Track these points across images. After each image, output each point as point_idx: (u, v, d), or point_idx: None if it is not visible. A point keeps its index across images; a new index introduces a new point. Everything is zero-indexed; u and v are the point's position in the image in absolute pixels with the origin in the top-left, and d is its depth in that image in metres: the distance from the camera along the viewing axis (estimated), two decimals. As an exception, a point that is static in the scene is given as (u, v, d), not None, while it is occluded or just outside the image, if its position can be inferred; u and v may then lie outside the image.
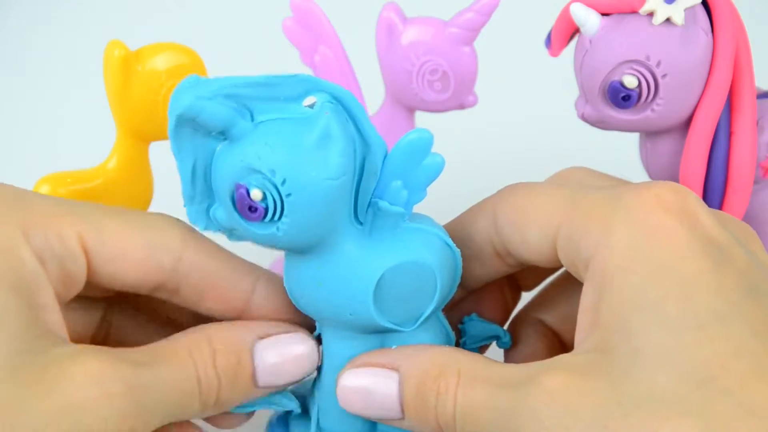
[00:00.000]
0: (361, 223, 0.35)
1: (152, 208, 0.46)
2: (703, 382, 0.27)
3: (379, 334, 0.37)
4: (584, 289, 0.30)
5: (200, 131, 0.33)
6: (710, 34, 0.40)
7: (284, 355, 0.34)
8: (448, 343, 0.38)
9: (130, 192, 0.45)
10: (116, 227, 0.33)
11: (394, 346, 0.36)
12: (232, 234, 0.35)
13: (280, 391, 0.36)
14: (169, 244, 0.34)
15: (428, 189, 0.35)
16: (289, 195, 0.33)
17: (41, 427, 0.28)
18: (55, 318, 0.31)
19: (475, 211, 0.36)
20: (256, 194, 0.33)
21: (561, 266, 0.34)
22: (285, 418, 0.40)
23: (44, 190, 0.44)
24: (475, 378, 0.31)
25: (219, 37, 0.67)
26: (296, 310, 0.36)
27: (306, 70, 0.48)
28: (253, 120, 0.33)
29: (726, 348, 0.27)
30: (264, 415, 0.41)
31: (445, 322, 0.38)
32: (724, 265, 0.29)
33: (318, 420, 0.38)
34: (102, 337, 0.37)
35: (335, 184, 0.33)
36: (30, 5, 0.79)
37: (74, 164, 0.45)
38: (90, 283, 0.33)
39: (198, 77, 0.32)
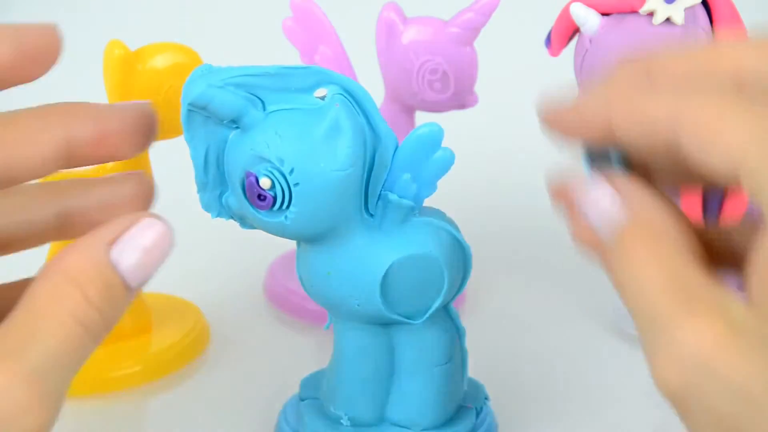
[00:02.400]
0: (371, 215, 0.35)
1: (152, 208, 0.46)
2: None
3: (387, 326, 0.37)
4: (763, 237, 0.28)
5: (212, 119, 0.33)
6: (710, 34, 0.40)
7: (142, 248, 0.32)
8: (458, 337, 0.39)
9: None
10: None
11: (398, 335, 0.37)
12: (243, 222, 0.36)
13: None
14: None
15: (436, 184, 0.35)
16: (297, 184, 0.33)
17: None
18: None
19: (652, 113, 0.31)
20: (265, 183, 0.33)
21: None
22: (297, 406, 0.40)
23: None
24: (664, 266, 0.29)
25: (219, 37, 0.67)
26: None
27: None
28: (264, 109, 0.33)
29: None
30: (270, 404, 0.41)
31: (456, 316, 0.38)
32: None
33: (333, 406, 0.39)
34: None
35: (343, 176, 0.33)
36: (30, 5, 0.79)
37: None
38: None
39: (211, 66, 0.33)
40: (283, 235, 0.35)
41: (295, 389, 0.41)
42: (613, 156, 0.32)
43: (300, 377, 0.41)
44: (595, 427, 0.43)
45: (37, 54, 0.34)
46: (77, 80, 0.58)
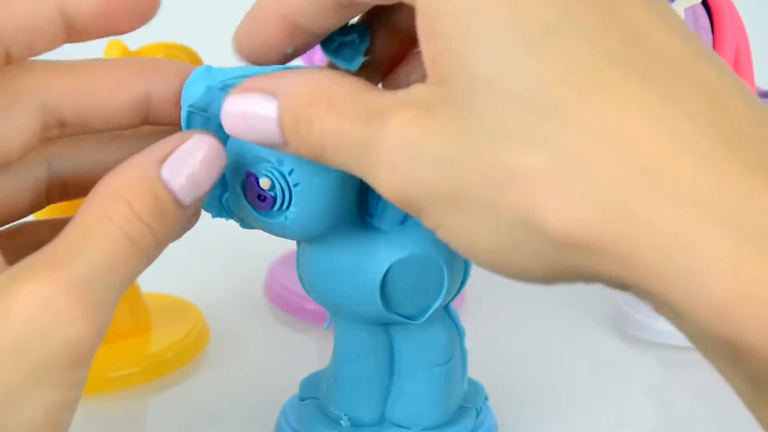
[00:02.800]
0: (370, 216, 0.35)
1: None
2: (544, 108, 0.25)
3: (387, 326, 0.37)
4: (418, 20, 0.28)
5: (212, 120, 0.33)
6: (710, 34, 0.40)
7: (192, 163, 0.32)
8: (458, 336, 0.39)
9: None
10: None
11: (398, 335, 0.37)
12: (243, 222, 0.36)
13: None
14: None
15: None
16: (296, 185, 0.33)
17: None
18: None
19: None
20: (264, 183, 0.33)
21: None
22: (297, 406, 0.40)
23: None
24: (342, 107, 0.29)
25: (219, 36, 0.67)
26: None
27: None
28: None
29: (562, 65, 0.25)
30: (277, 414, 0.41)
31: (456, 316, 0.38)
32: None
33: (333, 406, 0.39)
34: (60, 187, 0.36)
35: (343, 176, 0.33)
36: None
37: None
38: None
39: (210, 67, 0.33)
40: (283, 236, 0.35)
41: (295, 389, 0.41)
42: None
43: (300, 377, 0.41)
44: (594, 427, 0.43)
45: (130, 11, 0.34)
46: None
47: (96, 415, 0.43)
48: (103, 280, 0.30)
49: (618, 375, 0.46)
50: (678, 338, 0.46)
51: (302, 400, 0.40)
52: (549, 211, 0.25)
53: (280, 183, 0.33)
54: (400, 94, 0.28)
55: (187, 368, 0.47)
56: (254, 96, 0.31)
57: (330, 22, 0.32)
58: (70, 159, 0.36)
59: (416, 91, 0.28)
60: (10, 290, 0.28)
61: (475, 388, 0.41)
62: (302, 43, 0.33)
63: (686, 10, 0.38)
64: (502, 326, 0.50)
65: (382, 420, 0.39)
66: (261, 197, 0.33)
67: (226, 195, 0.35)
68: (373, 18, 0.35)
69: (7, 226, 0.36)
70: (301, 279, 0.37)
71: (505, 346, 0.48)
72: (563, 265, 0.26)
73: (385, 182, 0.28)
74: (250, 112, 0.31)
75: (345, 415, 0.38)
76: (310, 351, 0.49)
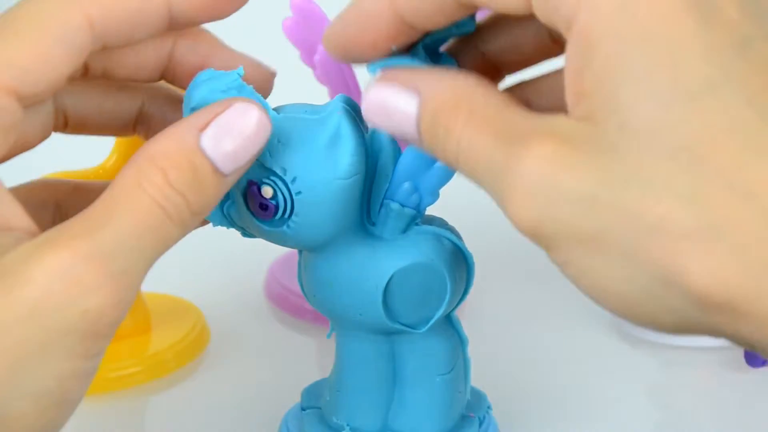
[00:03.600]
0: (372, 224, 0.35)
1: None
2: (694, 161, 0.25)
3: (389, 335, 0.37)
4: (568, 51, 0.27)
5: None
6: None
7: (233, 132, 0.31)
8: (461, 346, 0.38)
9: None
10: None
11: (400, 344, 0.37)
12: (245, 231, 0.35)
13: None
14: None
15: (441, 192, 0.35)
16: (299, 193, 0.33)
17: (9, 337, 0.28)
18: (2, 207, 0.30)
19: None
20: (267, 191, 0.33)
21: (531, 19, 0.30)
22: (299, 416, 0.40)
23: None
24: (483, 121, 0.28)
25: (219, 36, 0.67)
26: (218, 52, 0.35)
27: (306, 70, 0.48)
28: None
29: (718, 121, 0.25)
30: (277, 414, 0.41)
31: (459, 325, 0.38)
32: (711, 18, 0.26)
33: (335, 416, 0.38)
34: (62, 126, 0.36)
35: (345, 184, 0.33)
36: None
37: (74, 163, 0.45)
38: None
39: (213, 71, 0.33)
40: (285, 244, 0.35)
41: (294, 389, 0.41)
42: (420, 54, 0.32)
43: (300, 377, 0.41)
44: (596, 429, 0.43)
45: None
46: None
47: (96, 415, 0.43)
48: (128, 251, 0.29)
49: (618, 376, 0.46)
50: (678, 338, 0.46)
51: (304, 409, 0.40)
52: (693, 269, 0.25)
53: (282, 192, 0.33)
54: (544, 122, 0.27)
55: (187, 368, 0.47)
56: (396, 88, 0.30)
57: (443, 21, 0.31)
58: (76, 97, 0.35)
59: (559, 122, 0.27)
60: (32, 258, 0.28)
61: (477, 396, 0.40)
62: (407, 42, 0.32)
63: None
64: (502, 333, 0.50)
65: (384, 430, 0.38)
66: (263, 206, 0.33)
67: (228, 203, 0.35)
68: (463, 43, 0.35)
69: (70, 182, 0.36)
70: (302, 287, 0.37)
71: (505, 351, 0.48)
72: (701, 323, 0.26)
73: (518, 212, 0.27)
74: (390, 104, 0.30)
75: (347, 425, 0.38)
76: (310, 351, 0.49)
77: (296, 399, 0.40)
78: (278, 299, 0.52)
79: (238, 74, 0.32)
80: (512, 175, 0.27)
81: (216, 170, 0.30)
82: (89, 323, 0.28)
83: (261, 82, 0.34)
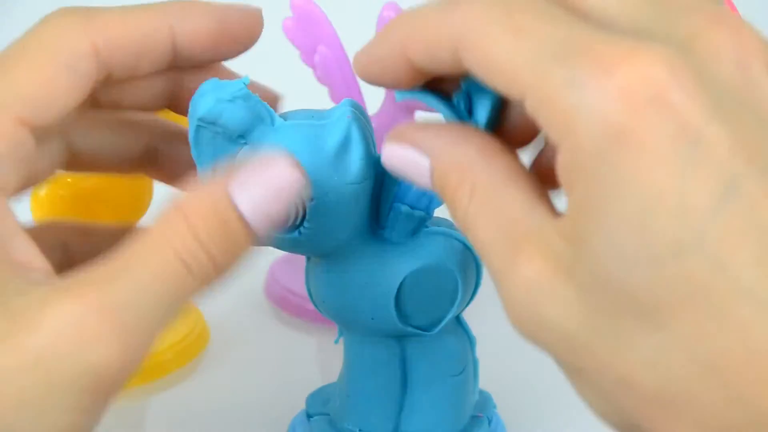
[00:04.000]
0: (382, 228, 0.35)
1: (152, 209, 0.46)
2: (659, 325, 0.24)
3: (400, 338, 0.37)
4: (557, 163, 0.26)
5: (220, 135, 0.32)
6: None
7: (266, 186, 0.29)
8: (470, 346, 0.38)
9: (129, 193, 0.45)
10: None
11: (411, 346, 0.37)
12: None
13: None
14: None
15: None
16: (311, 200, 0.33)
17: (10, 384, 0.27)
18: (19, 250, 0.29)
19: (432, 25, 0.28)
20: None
21: None
22: (305, 423, 0.40)
23: (43, 191, 0.44)
24: (485, 203, 0.28)
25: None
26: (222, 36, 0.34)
27: (306, 70, 0.48)
28: (273, 124, 0.33)
29: (681, 289, 0.24)
30: (277, 414, 0.41)
31: (467, 326, 0.38)
32: (694, 162, 0.23)
33: (346, 421, 0.38)
34: (71, 162, 0.35)
35: (357, 189, 0.33)
36: (30, 5, 0.79)
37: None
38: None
39: (218, 80, 0.32)
40: (295, 251, 0.35)
41: (295, 389, 0.41)
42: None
43: (300, 377, 0.41)
44: (603, 429, 0.43)
45: (238, 33, 0.33)
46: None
47: (96, 415, 0.43)
48: (144, 304, 0.28)
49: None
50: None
51: (310, 416, 0.40)
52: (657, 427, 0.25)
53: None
54: (537, 227, 0.27)
55: (187, 368, 0.47)
56: (408, 149, 0.30)
57: (452, 72, 0.29)
58: (83, 133, 0.35)
59: (549, 234, 0.26)
60: (45, 303, 0.28)
61: (483, 397, 0.40)
62: (426, 79, 0.30)
63: (686, 10, 0.38)
64: (505, 334, 0.50)
65: (397, 428, 0.38)
66: None
67: None
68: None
69: (78, 224, 0.36)
70: (310, 294, 0.37)
71: (507, 351, 0.48)
72: None
73: (511, 318, 0.27)
74: (407, 161, 0.30)
75: (360, 430, 0.38)
76: (310, 351, 0.49)
77: (297, 399, 0.40)
78: (278, 299, 0.52)
79: (244, 83, 0.32)
80: (504, 282, 0.27)
81: (246, 225, 0.29)
82: (93, 377, 0.27)
83: (251, 28, 0.34)
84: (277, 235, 0.34)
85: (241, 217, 0.29)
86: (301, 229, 0.33)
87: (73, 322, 0.27)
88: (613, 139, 0.24)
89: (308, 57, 0.48)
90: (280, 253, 0.53)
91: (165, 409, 0.45)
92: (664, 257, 0.24)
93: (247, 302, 0.52)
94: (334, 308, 0.36)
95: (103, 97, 0.34)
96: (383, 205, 0.35)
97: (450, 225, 0.36)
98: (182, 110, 0.34)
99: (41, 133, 0.31)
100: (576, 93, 0.24)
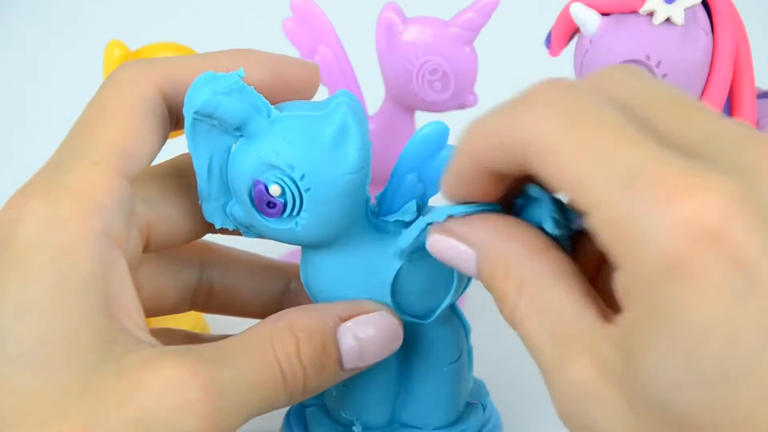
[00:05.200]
0: (377, 217, 0.35)
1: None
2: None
3: None
4: (616, 278, 0.27)
5: (216, 127, 0.33)
6: (710, 34, 0.40)
7: (367, 335, 0.33)
8: (464, 334, 0.39)
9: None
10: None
11: (407, 335, 0.37)
12: (248, 231, 0.35)
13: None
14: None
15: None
16: (308, 190, 0.33)
17: None
18: (129, 305, 0.30)
19: (505, 134, 0.28)
20: (275, 190, 0.33)
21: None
22: (302, 411, 0.40)
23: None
24: (532, 302, 0.28)
25: (219, 37, 0.67)
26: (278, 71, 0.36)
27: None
28: (269, 116, 0.33)
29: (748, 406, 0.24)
30: (277, 414, 0.41)
31: (462, 314, 0.38)
32: (749, 299, 0.24)
33: (343, 411, 0.38)
34: (204, 299, 0.38)
35: (354, 178, 0.33)
36: (30, 5, 0.79)
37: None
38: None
39: (213, 73, 0.33)
40: (292, 242, 0.35)
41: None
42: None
43: (300, 377, 0.41)
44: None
45: (293, 84, 0.35)
46: (77, 80, 0.58)
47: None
48: (239, 395, 0.30)
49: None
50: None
51: (306, 407, 0.40)
52: None
53: (290, 189, 0.33)
54: (592, 335, 0.27)
55: (187, 368, 0.47)
56: (455, 242, 0.31)
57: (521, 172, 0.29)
58: (222, 271, 0.37)
59: (602, 342, 0.27)
60: (154, 365, 0.29)
61: (477, 384, 0.41)
62: (511, 186, 0.31)
63: (686, 10, 0.39)
64: (500, 323, 0.50)
65: (393, 422, 0.38)
66: (271, 204, 0.33)
67: (230, 204, 0.35)
68: None
69: (214, 246, 0.38)
70: (306, 285, 0.37)
71: (504, 342, 0.48)
72: None
73: (561, 416, 0.28)
74: (455, 251, 0.31)
75: (357, 420, 0.38)
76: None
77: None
78: (278, 299, 0.52)
79: (239, 75, 0.33)
80: (553, 381, 0.28)
81: (339, 360, 0.32)
82: None
83: (307, 81, 0.35)
84: (274, 227, 0.34)
85: (338, 352, 0.32)
86: (298, 220, 0.33)
87: (180, 390, 0.28)
88: (671, 271, 0.24)
89: (308, 57, 0.48)
90: (280, 254, 0.53)
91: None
92: (712, 383, 0.24)
93: (247, 302, 0.52)
94: (331, 298, 0.36)
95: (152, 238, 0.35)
96: (379, 193, 0.35)
97: (445, 214, 0.37)
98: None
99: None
100: (640, 221, 0.25)
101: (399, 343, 0.34)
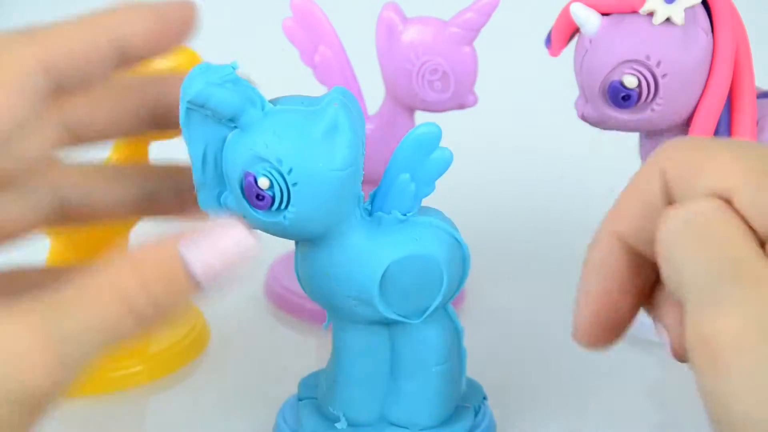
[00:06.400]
0: (369, 215, 0.35)
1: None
2: None
3: (386, 325, 0.37)
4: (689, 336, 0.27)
5: (210, 118, 0.33)
6: (710, 34, 0.40)
7: (215, 245, 0.31)
8: (456, 337, 0.38)
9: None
10: None
11: (397, 334, 0.37)
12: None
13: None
14: None
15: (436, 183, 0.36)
16: (295, 184, 0.33)
17: None
18: None
19: (640, 177, 0.30)
20: (263, 182, 0.33)
21: None
22: (296, 406, 0.40)
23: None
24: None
25: (219, 37, 0.67)
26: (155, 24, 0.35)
27: (306, 70, 0.48)
28: (263, 108, 0.33)
29: None
30: (270, 404, 0.41)
31: (454, 315, 0.38)
32: None
33: (331, 406, 0.38)
34: (60, 214, 0.36)
35: (342, 175, 0.33)
36: (30, 5, 0.79)
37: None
38: None
39: (208, 64, 0.33)
40: (281, 235, 0.35)
41: (295, 389, 0.41)
42: None
43: (300, 377, 0.41)
44: (594, 427, 0.43)
45: (176, 27, 0.34)
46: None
47: (96, 415, 0.43)
48: (82, 340, 0.29)
49: (617, 374, 0.46)
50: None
51: (300, 400, 0.40)
52: None
53: (278, 182, 0.33)
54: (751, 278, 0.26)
55: (187, 368, 0.47)
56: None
57: None
58: (75, 188, 0.36)
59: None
60: None
61: (473, 387, 0.41)
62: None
63: (686, 10, 0.39)
64: (500, 325, 0.50)
65: (380, 420, 0.39)
66: (259, 197, 0.33)
67: (225, 193, 0.35)
68: None
69: (7, 269, 0.36)
70: (299, 278, 0.37)
71: (503, 346, 0.48)
72: None
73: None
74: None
75: (343, 416, 0.38)
76: (309, 351, 0.49)
77: (296, 398, 0.41)
78: (278, 299, 0.52)
79: (233, 67, 0.33)
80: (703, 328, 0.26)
81: (192, 278, 0.31)
82: (21, 395, 0.28)
83: (188, 19, 0.35)
84: (263, 219, 0.34)
85: (187, 271, 0.30)
86: (286, 214, 0.34)
87: (13, 342, 0.28)
88: None
89: (308, 57, 0.48)
90: (280, 253, 0.53)
91: (165, 409, 0.45)
92: None
93: (247, 302, 0.52)
94: (321, 293, 0.36)
95: (83, 129, 0.35)
96: (378, 192, 0.35)
97: (437, 215, 0.37)
98: (168, 125, 0.35)
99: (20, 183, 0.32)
100: None
101: (252, 246, 0.32)
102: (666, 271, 0.28)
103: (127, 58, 0.33)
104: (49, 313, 0.29)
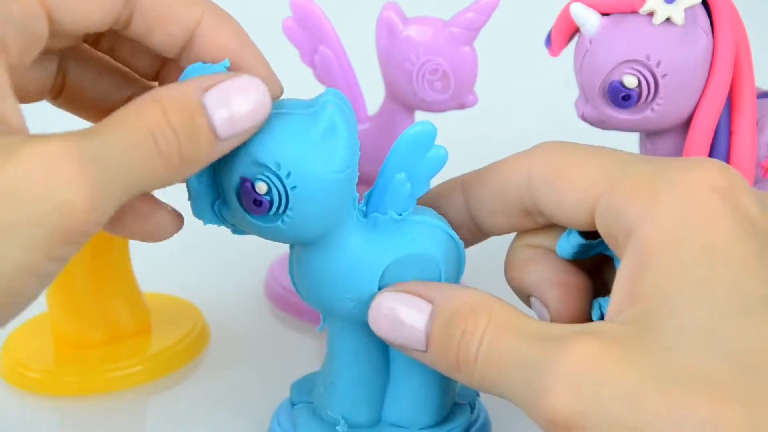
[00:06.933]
0: (365, 217, 0.35)
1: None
2: (749, 368, 0.26)
3: None
4: (624, 260, 0.29)
5: None
6: (710, 34, 0.40)
7: (236, 99, 0.32)
8: None
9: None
10: None
11: None
12: (236, 228, 0.35)
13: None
14: None
15: (431, 182, 0.35)
16: (294, 188, 0.33)
17: None
18: (6, 104, 0.30)
19: (509, 164, 0.35)
20: (261, 187, 0.33)
21: (593, 230, 0.33)
22: (290, 408, 0.40)
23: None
24: (506, 324, 0.30)
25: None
26: (243, 48, 0.36)
27: (306, 70, 0.48)
28: None
29: None
30: (270, 405, 0.41)
31: None
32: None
33: (329, 409, 0.38)
34: (58, 90, 0.36)
35: (340, 177, 0.33)
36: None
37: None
38: (51, 35, 0.32)
39: (202, 65, 0.33)
40: (278, 240, 0.35)
41: (295, 389, 0.41)
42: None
43: (300, 377, 0.41)
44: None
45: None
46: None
47: (96, 415, 0.43)
48: (113, 165, 0.29)
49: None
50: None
51: (294, 404, 0.40)
52: None
53: (276, 186, 0.33)
54: (581, 326, 0.29)
55: (187, 368, 0.47)
56: (408, 298, 0.32)
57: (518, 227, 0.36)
58: (80, 68, 0.36)
59: (601, 326, 0.29)
60: (22, 144, 0.28)
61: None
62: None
63: (686, 10, 0.39)
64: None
65: (379, 422, 0.38)
66: (257, 202, 0.33)
67: (219, 201, 0.35)
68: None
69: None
70: (294, 283, 0.37)
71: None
72: None
73: (557, 402, 0.28)
74: (400, 316, 0.33)
75: (342, 418, 0.38)
76: (309, 351, 0.49)
77: (295, 398, 0.41)
78: (278, 299, 0.52)
79: (225, 66, 0.33)
80: (554, 368, 0.28)
81: (212, 130, 0.31)
82: (60, 219, 0.28)
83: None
84: (260, 225, 0.34)
85: (208, 121, 0.31)
86: (284, 218, 0.33)
87: (48, 162, 0.28)
88: None
89: (308, 57, 0.48)
90: (280, 253, 0.53)
91: (165, 409, 0.45)
92: (755, 307, 0.27)
93: (247, 302, 0.52)
94: (318, 296, 0.36)
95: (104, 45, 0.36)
96: (366, 193, 0.35)
97: (433, 214, 0.37)
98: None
99: (56, 37, 0.32)
100: None
101: (268, 103, 0.32)
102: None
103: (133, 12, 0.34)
104: (82, 138, 0.29)
